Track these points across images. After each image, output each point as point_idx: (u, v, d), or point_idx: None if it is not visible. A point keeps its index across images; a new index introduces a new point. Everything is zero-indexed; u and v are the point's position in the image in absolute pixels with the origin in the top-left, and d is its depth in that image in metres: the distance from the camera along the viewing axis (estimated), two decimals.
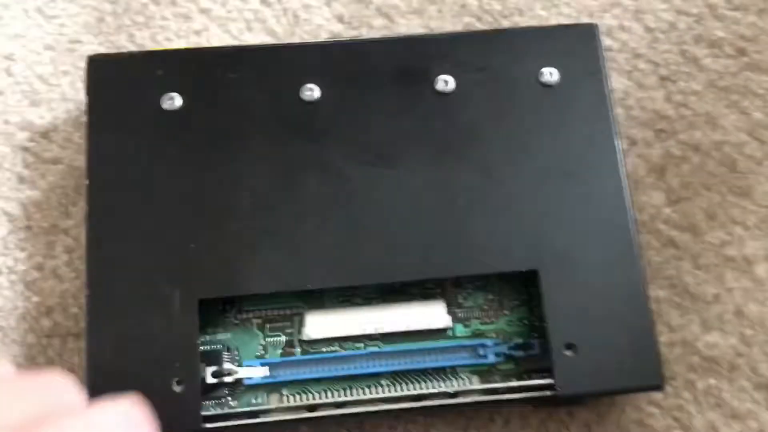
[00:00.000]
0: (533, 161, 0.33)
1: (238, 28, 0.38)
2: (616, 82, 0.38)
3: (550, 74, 0.34)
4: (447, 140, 0.33)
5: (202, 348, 0.31)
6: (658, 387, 0.30)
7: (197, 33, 0.38)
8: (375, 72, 0.33)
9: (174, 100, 0.33)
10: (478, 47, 0.34)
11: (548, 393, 0.30)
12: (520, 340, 0.32)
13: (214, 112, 0.33)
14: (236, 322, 0.33)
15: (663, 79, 0.38)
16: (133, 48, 0.38)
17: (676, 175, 0.37)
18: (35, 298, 0.34)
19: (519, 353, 0.32)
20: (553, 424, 0.34)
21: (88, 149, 0.32)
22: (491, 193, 0.32)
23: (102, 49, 0.38)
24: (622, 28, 0.39)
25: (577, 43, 0.34)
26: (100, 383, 0.30)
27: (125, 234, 0.31)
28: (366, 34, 0.38)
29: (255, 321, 0.33)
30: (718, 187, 0.36)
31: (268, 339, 0.32)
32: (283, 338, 0.32)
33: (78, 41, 0.38)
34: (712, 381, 0.34)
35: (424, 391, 0.31)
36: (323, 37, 0.38)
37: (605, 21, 0.39)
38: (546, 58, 0.34)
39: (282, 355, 0.32)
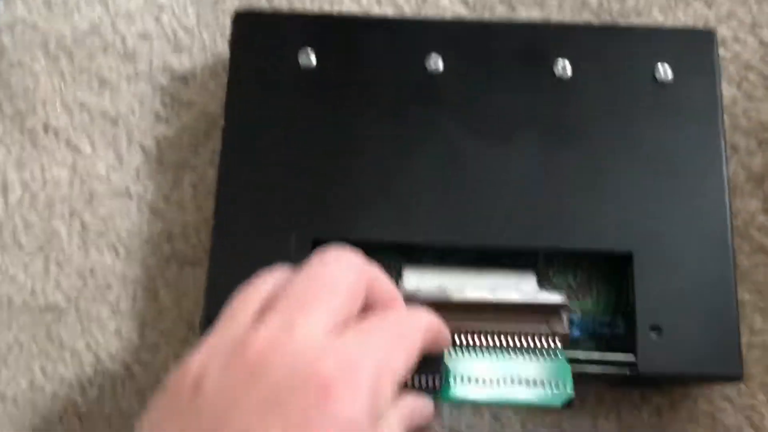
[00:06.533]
0: (639, 151, 0.34)
1: (368, 0, 0.41)
2: (725, 91, 0.39)
3: (665, 72, 0.35)
4: (559, 123, 0.35)
5: None
6: (738, 377, 0.31)
7: (330, 1, 0.41)
8: (498, 51, 0.36)
9: (310, 59, 0.35)
10: (597, 39, 0.36)
11: (628, 372, 0.32)
12: (606, 318, 0.34)
13: (344, 73, 0.35)
14: None
15: None
16: (269, 9, 0.41)
17: None
18: (159, 225, 0.38)
19: (604, 330, 0.33)
20: (626, 405, 0.35)
21: (227, 92, 0.35)
22: (595, 177, 0.34)
23: (243, 7, 0.41)
24: (736, 39, 0.40)
25: (693, 46, 0.35)
26: (217, 308, 0.32)
27: (252, 174, 0.34)
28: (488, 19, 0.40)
29: None
30: None
31: None
32: None
33: None
34: None
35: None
36: (447, 18, 0.41)
37: (720, 31, 0.40)
38: (662, 57, 0.35)
39: None
